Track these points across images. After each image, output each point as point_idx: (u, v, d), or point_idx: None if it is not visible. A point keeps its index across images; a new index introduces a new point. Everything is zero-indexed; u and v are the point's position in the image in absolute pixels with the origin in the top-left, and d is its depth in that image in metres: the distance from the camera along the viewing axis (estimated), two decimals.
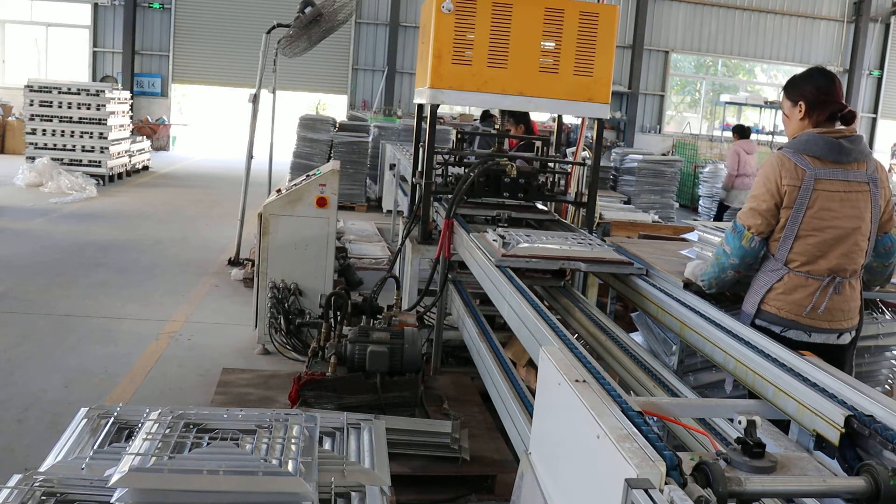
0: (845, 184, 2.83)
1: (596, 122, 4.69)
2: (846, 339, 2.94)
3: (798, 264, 2.87)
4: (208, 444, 1.91)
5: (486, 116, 8.91)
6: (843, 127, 2.90)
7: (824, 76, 2.97)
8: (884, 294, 3.38)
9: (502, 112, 5.57)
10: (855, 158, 2.84)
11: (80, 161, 12.27)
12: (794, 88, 2.99)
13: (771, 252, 2.95)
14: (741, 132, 10.73)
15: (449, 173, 5.00)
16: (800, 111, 2.94)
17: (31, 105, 12.27)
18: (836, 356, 2.87)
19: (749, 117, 21.16)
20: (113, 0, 18.71)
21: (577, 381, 1.78)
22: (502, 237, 3.45)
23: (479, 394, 3.95)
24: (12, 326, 5.27)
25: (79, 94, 12.34)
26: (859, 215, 2.84)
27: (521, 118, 6.75)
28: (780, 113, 14.64)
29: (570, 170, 5.21)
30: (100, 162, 12.33)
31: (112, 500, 1.73)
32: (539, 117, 7.53)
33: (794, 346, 2.76)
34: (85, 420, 2.18)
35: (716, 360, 2.61)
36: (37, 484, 1.82)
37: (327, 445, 2.19)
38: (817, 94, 2.91)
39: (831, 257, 2.84)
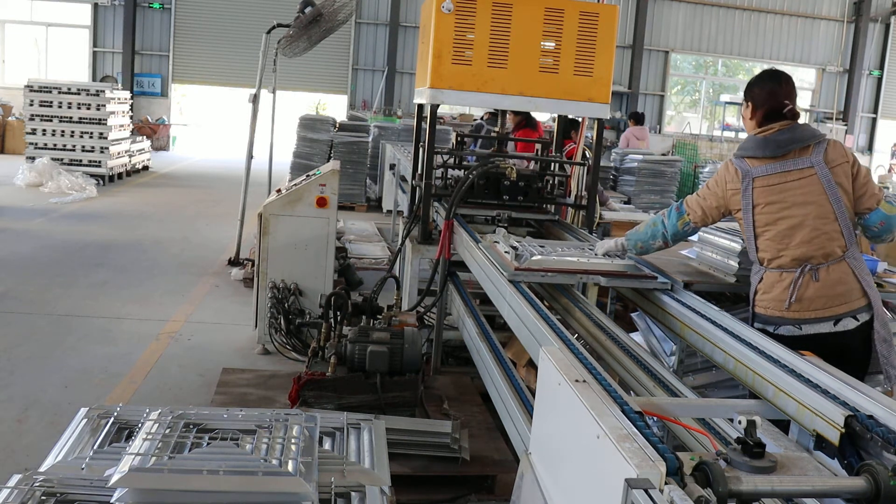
0: (782, 175, 2.89)
1: (596, 122, 4.70)
2: (848, 324, 2.87)
3: (768, 261, 2.94)
4: (208, 444, 1.91)
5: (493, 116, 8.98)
6: (779, 123, 2.95)
7: (771, 77, 3.07)
8: (884, 294, 3.37)
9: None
10: (788, 148, 2.89)
11: (80, 161, 12.26)
12: (747, 90, 3.10)
13: (750, 256, 3.04)
14: (637, 119, 11.88)
15: (449, 175, 5.00)
16: (749, 111, 3.05)
17: (31, 105, 12.27)
18: (844, 343, 2.84)
19: None
20: (113, 0, 18.71)
21: (577, 381, 1.78)
22: (514, 248, 3.23)
23: (479, 394, 3.95)
24: (12, 326, 5.27)
25: (79, 94, 12.33)
26: (809, 200, 2.87)
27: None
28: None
29: (569, 171, 5.21)
30: (100, 162, 12.33)
31: (112, 500, 1.73)
32: (541, 116, 7.52)
33: (791, 342, 2.76)
34: (85, 420, 2.18)
35: (716, 360, 2.62)
36: (37, 484, 1.82)
37: (327, 445, 2.19)
38: (761, 94, 3.01)
39: (793, 247, 2.88)
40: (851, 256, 2.90)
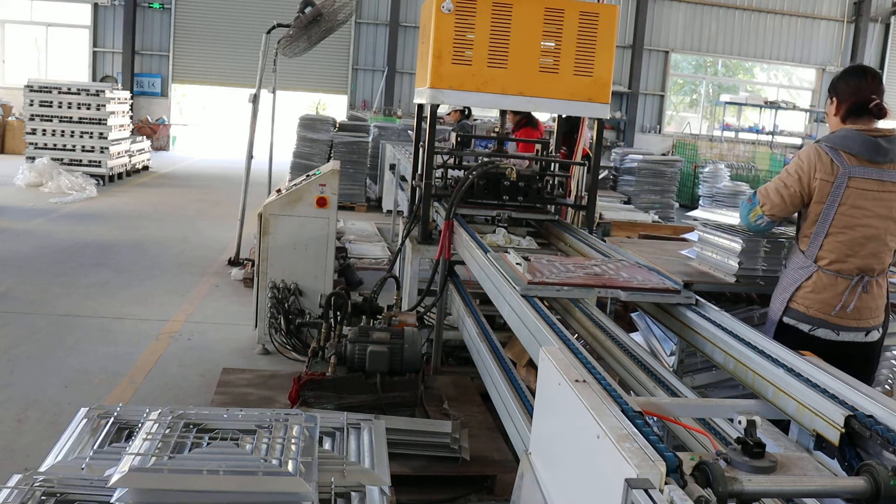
0: (879, 183, 2.82)
1: (596, 122, 4.69)
2: (874, 336, 2.94)
3: (827, 262, 2.87)
4: (208, 444, 1.91)
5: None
6: (881, 126, 2.90)
7: (856, 72, 3.00)
8: None
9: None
10: (891, 159, 2.83)
11: (80, 161, 12.27)
12: (831, 86, 3.02)
13: (801, 249, 2.95)
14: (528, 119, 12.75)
15: (449, 176, 5.00)
16: (834, 106, 2.96)
17: (31, 105, 12.27)
18: (865, 353, 2.90)
19: (749, 117, 21.18)
20: (113, 0, 18.71)
21: (577, 381, 1.78)
22: (527, 259, 3.06)
23: (479, 394, 3.95)
24: (12, 326, 5.27)
25: (79, 94, 12.34)
26: (890, 215, 2.85)
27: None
28: (779, 112, 14.88)
29: (569, 171, 5.21)
30: (100, 162, 12.34)
31: (112, 500, 1.73)
32: (542, 116, 7.54)
33: (823, 344, 2.78)
34: (85, 420, 2.18)
35: (716, 360, 2.61)
36: (37, 484, 1.82)
37: (327, 445, 2.19)
38: (846, 87, 2.93)
39: (861, 256, 2.85)
40: (888, 272, 2.96)
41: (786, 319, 2.93)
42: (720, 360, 2.55)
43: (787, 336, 2.86)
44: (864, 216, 2.82)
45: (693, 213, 3.79)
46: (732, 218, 3.43)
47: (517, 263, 2.98)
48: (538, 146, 5.13)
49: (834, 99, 2.96)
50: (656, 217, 7.67)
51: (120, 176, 13.03)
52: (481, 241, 3.81)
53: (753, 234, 3.18)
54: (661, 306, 3.00)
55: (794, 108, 19.90)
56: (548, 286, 2.80)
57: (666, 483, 1.34)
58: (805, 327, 2.89)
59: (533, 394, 2.33)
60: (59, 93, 12.28)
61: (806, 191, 2.88)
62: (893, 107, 3.10)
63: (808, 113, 20.73)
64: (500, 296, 3.10)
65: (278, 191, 5.45)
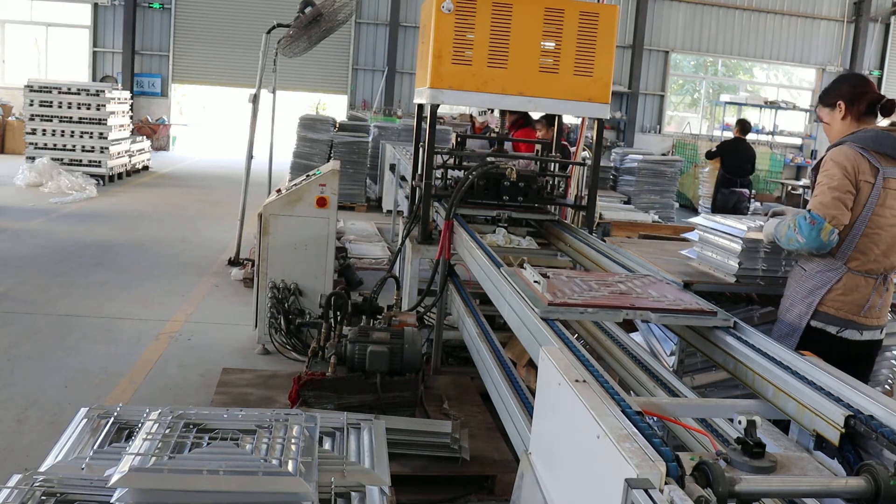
0: None
1: (596, 122, 4.70)
2: (883, 333, 3.00)
3: (858, 263, 2.87)
4: (208, 444, 1.91)
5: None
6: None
7: (855, 76, 3.05)
8: None
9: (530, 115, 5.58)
10: None
11: (80, 161, 12.27)
12: (828, 94, 3.02)
13: (834, 252, 2.93)
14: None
15: (449, 176, 5.00)
16: (840, 111, 2.95)
17: (31, 105, 12.27)
18: (872, 351, 2.96)
19: (749, 117, 21.16)
20: (113, 0, 18.71)
21: (577, 381, 1.78)
22: (546, 276, 2.75)
23: (479, 394, 3.95)
24: (12, 326, 5.27)
25: (79, 94, 12.34)
26: None
27: (552, 121, 6.78)
28: (779, 112, 14.80)
29: (569, 171, 5.21)
30: (100, 162, 12.34)
31: (112, 500, 1.73)
32: (565, 118, 7.64)
33: (848, 344, 2.82)
34: (85, 420, 2.18)
35: (716, 359, 2.61)
36: (37, 484, 1.82)
37: (327, 445, 2.19)
38: (853, 89, 2.93)
39: (888, 255, 2.87)
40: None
41: (813, 323, 2.91)
42: (720, 360, 2.53)
43: (814, 340, 2.85)
44: (893, 216, 2.86)
45: (694, 220, 3.75)
46: (733, 222, 3.41)
47: (535, 281, 2.70)
48: (538, 146, 5.13)
49: (840, 104, 2.94)
50: (656, 217, 7.67)
51: (120, 176, 13.03)
52: (481, 242, 3.81)
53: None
54: (718, 345, 2.68)
55: (794, 108, 19.89)
56: (571, 308, 2.51)
57: (666, 483, 1.34)
58: (833, 329, 2.89)
59: (533, 394, 2.33)
60: (59, 93, 12.28)
61: (854, 192, 2.84)
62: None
63: (808, 113, 20.72)
64: (500, 296, 3.10)
65: (278, 191, 5.45)
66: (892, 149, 2.83)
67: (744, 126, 10.58)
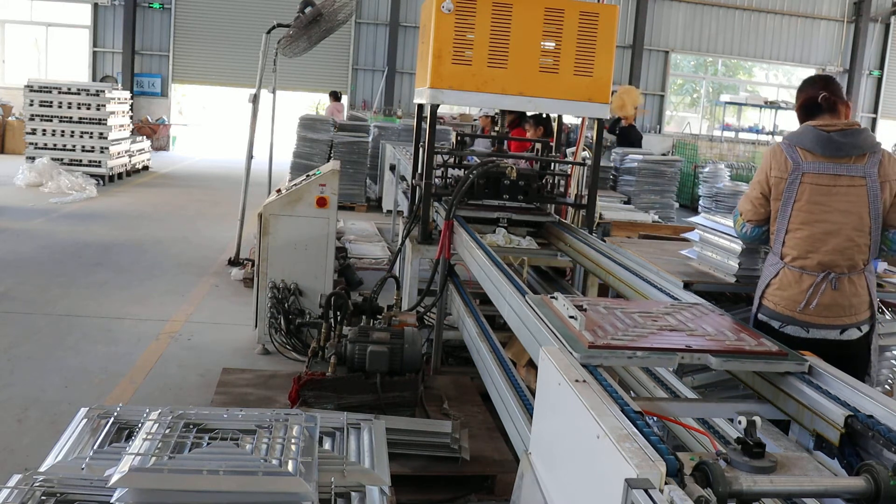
0: (834, 178, 2.83)
1: (596, 122, 4.69)
2: (853, 334, 2.91)
3: (791, 259, 2.90)
4: (208, 444, 1.91)
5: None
6: (841, 121, 2.91)
7: (808, 79, 3.10)
8: (884, 294, 3.37)
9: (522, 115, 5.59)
10: (847, 153, 2.83)
11: (80, 161, 12.26)
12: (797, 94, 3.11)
13: (770, 246, 3.00)
14: (335, 96, 15.33)
15: (449, 175, 5.00)
16: (798, 115, 3.04)
17: (31, 105, 12.27)
18: (845, 352, 2.86)
19: (749, 117, 21.18)
20: (113, 0, 18.71)
21: (577, 381, 1.78)
22: (581, 308, 2.31)
23: (479, 394, 3.95)
24: (12, 326, 5.27)
25: (79, 94, 12.33)
26: (853, 210, 2.83)
27: (541, 120, 6.85)
28: (779, 112, 14.88)
29: (569, 170, 5.21)
30: (100, 162, 12.34)
31: (112, 500, 1.73)
32: (564, 118, 7.73)
33: (794, 342, 2.76)
34: (85, 420, 2.18)
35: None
36: (37, 484, 1.82)
37: (327, 445, 2.19)
38: (799, 95, 3.05)
39: (823, 252, 2.84)
40: (869, 270, 2.93)
41: (759, 316, 2.96)
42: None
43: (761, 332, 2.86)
44: (823, 212, 2.83)
45: (693, 220, 3.75)
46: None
47: (571, 317, 2.26)
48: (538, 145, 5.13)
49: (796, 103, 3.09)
50: (656, 217, 7.65)
51: (120, 176, 13.03)
52: (481, 242, 3.82)
53: (749, 244, 3.17)
54: (788, 392, 2.26)
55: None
56: (616, 351, 2.08)
57: (666, 483, 1.34)
58: (775, 324, 2.90)
59: (533, 394, 2.33)
60: (59, 93, 12.27)
61: (766, 190, 2.95)
62: (892, 109, 3.11)
63: None
64: (500, 296, 3.10)
65: (278, 191, 5.45)
66: (811, 144, 2.85)
67: None
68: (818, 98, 2.94)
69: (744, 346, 2.19)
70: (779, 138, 19.53)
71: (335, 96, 15.58)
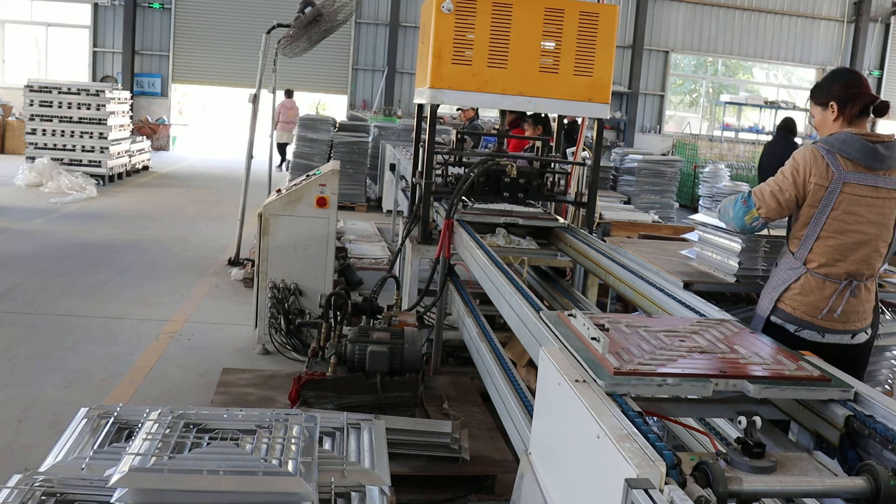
0: (874, 189, 2.79)
1: (596, 122, 4.69)
2: (861, 338, 2.94)
3: (816, 265, 2.86)
4: (208, 444, 1.91)
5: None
6: (880, 132, 2.90)
7: (849, 72, 2.97)
8: (884, 294, 3.38)
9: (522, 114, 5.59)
10: (888, 166, 2.79)
11: (80, 161, 12.27)
12: (820, 92, 2.95)
13: (791, 250, 2.94)
14: (288, 93, 16.22)
15: (449, 173, 5.00)
16: (832, 111, 2.89)
17: (31, 105, 12.27)
18: (852, 355, 2.89)
19: (749, 117, 21.18)
20: (113, 0, 18.71)
21: (577, 381, 1.78)
22: (603, 328, 2.10)
23: (479, 394, 3.95)
24: (12, 326, 5.27)
25: (79, 94, 12.34)
26: (883, 222, 2.83)
27: (540, 119, 6.88)
28: (778, 112, 14.47)
29: (570, 170, 5.21)
30: (100, 162, 12.34)
31: (112, 500, 1.73)
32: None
33: (808, 345, 2.77)
34: (85, 420, 2.18)
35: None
36: (37, 484, 1.82)
37: (327, 445, 2.19)
38: (846, 90, 2.87)
39: (851, 261, 2.83)
40: (877, 276, 2.94)
41: (773, 318, 2.94)
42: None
43: (774, 335, 2.85)
44: (857, 222, 2.80)
45: (694, 217, 3.74)
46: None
47: (593, 338, 2.03)
48: (537, 144, 5.13)
49: (833, 105, 2.89)
50: (656, 217, 7.66)
51: (120, 176, 13.03)
52: (481, 242, 3.81)
53: (741, 234, 3.14)
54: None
55: (794, 108, 19.89)
56: (644, 378, 1.88)
57: (666, 483, 1.34)
58: (791, 328, 2.89)
59: (533, 394, 2.33)
60: (59, 93, 12.28)
61: (801, 194, 2.84)
62: (893, 109, 3.08)
63: (807, 113, 20.72)
64: (500, 296, 3.10)
65: (278, 191, 5.45)
66: (857, 153, 2.76)
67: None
68: (876, 101, 2.84)
69: (783, 370, 2.02)
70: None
71: (288, 94, 16.32)
